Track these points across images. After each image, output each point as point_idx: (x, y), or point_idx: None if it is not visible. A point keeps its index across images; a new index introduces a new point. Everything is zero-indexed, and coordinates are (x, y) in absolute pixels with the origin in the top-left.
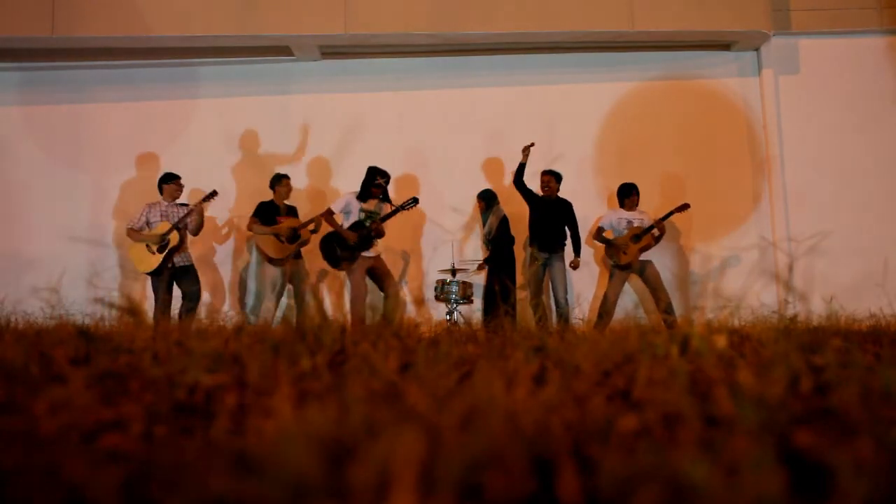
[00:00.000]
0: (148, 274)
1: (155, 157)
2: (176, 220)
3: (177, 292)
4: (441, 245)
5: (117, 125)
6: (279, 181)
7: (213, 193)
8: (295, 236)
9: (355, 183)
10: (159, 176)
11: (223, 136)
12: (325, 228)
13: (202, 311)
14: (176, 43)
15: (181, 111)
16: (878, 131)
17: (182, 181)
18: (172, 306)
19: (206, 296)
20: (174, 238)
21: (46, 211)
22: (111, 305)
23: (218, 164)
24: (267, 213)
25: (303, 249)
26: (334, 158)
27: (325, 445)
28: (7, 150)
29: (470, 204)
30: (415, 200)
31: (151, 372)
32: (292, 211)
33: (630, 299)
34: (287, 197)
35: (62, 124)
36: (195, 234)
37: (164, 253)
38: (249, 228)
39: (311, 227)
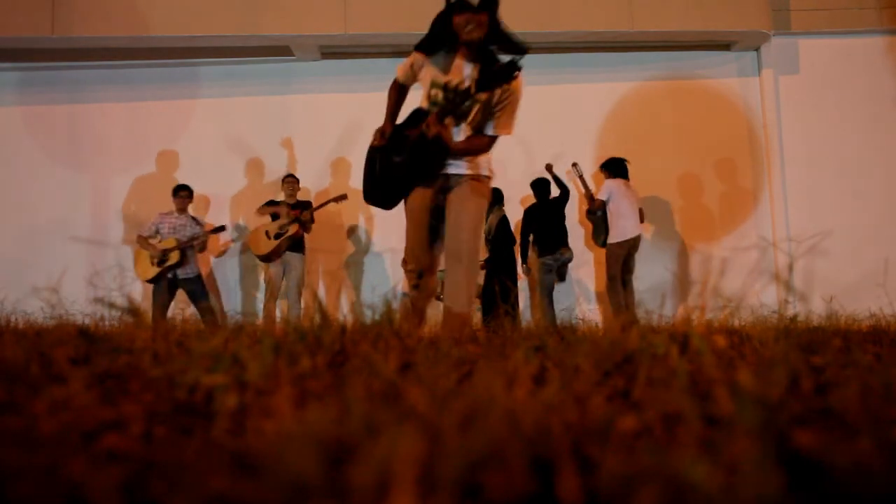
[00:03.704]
0: (146, 281)
1: (155, 158)
2: (181, 234)
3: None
4: None
5: (117, 125)
6: (283, 181)
7: (222, 228)
8: (280, 233)
9: (354, 182)
10: (172, 185)
11: (223, 136)
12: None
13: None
14: (176, 43)
15: (181, 111)
16: (878, 131)
17: (187, 193)
18: (180, 313)
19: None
20: (174, 257)
21: (46, 211)
22: (111, 305)
23: (218, 164)
24: (272, 208)
25: (309, 249)
26: (334, 158)
27: (325, 445)
28: (7, 150)
29: None
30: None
31: (151, 372)
32: (303, 205)
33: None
34: (293, 196)
35: (62, 124)
36: (201, 252)
37: (161, 268)
38: (257, 211)
39: (297, 224)
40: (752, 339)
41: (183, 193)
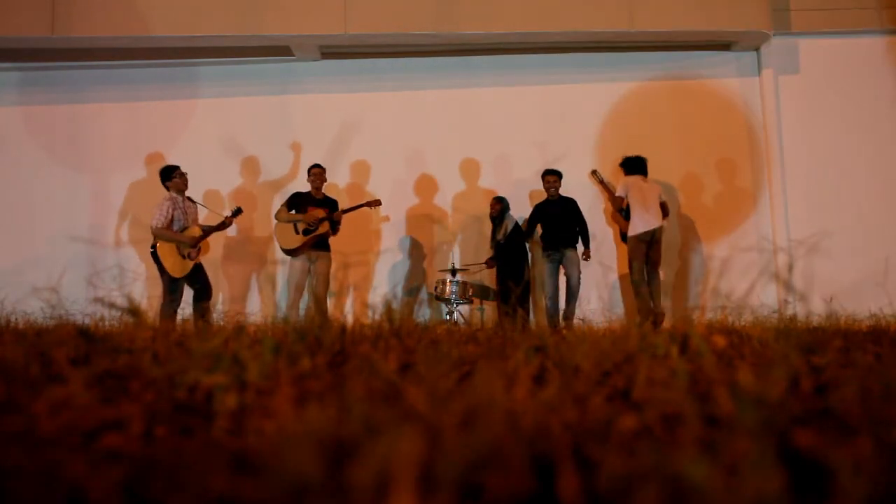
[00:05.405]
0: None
1: (155, 158)
2: (194, 216)
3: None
4: (441, 245)
5: (117, 125)
6: (308, 171)
7: (239, 211)
8: (308, 230)
9: (355, 181)
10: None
11: (223, 136)
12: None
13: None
14: (176, 43)
15: (181, 111)
16: (878, 131)
17: (182, 170)
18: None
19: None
20: (205, 247)
21: (46, 211)
22: (111, 305)
23: (218, 164)
24: (297, 203)
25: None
26: (334, 159)
27: (325, 445)
28: (7, 150)
29: (469, 204)
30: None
31: (151, 372)
32: (330, 203)
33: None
34: (319, 186)
35: (62, 124)
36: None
37: (195, 261)
38: (276, 217)
39: (327, 224)
40: (752, 339)
41: (181, 171)
